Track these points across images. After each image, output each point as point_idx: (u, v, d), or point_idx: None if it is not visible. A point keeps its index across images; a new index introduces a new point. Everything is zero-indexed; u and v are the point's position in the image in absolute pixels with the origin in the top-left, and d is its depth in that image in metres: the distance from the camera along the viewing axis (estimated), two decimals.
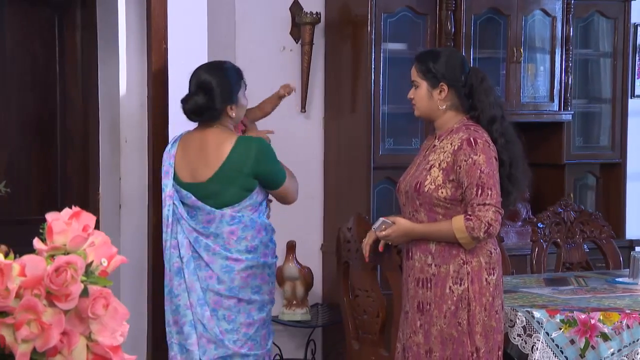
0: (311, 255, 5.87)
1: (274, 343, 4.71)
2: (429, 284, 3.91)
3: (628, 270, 4.87)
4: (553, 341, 4.08)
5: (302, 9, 5.82)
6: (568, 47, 6.00)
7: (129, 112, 5.58)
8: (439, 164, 3.89)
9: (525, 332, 4.11)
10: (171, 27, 4.94)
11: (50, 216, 1.75)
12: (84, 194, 6.00)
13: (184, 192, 4.31)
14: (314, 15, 5.78)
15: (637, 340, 4.08)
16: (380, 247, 4.08)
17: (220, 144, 4.29)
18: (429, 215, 3.91)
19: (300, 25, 5.81)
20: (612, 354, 4.06)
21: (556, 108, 6.02)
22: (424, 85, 3.99)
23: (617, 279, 4.82)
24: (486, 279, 3.88)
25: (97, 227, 1.79)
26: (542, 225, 5.29)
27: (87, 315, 1.70)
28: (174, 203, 4.32)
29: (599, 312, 4.11)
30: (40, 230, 1.76)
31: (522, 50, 5.85)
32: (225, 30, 5.70)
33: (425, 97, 3.99)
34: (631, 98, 6.41)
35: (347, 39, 5.76)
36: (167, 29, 4.93)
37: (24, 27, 6.01)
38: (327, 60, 5.91)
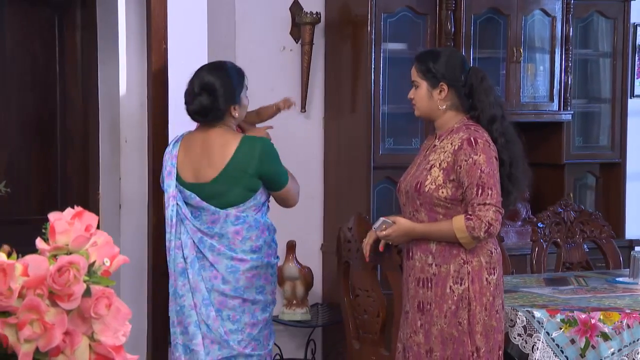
0: (311, 255, 5.87)
1: (274, 343, 4.71)
2: (429, 284, 3.91)
3: (628, 270, 4.87)
4: (553, 341, 4.08)
5: (302, 9, 5.82)
6: (568, 47, 6.00)
7: (129, 112, 5.58)
8: (440, 164, 3.89)
9: (525, 332, 4.11)
10: (171, 27, 4.94)
11: (52, 216, 1.75)
12: (84, 194, 6.00)
13: (188, 192, 4.31)
14: (314, 15, 5.79)
15: (638, 340, 4.08)
16: (381, 247, 4.08)
17: (225, 144, 4.29)
18: (429, 215, 3.91)
19: (300, 25, 5.81)
20: (613, 353, 4.07)
21: (556, 108, 6.02)
22: (424, 85, 3.99)
23: (617, 279, 4.83)
24: (487, 279, 3.88)
25: (97, 227, 1.80)
26: (542, 225, 5.29)
27: (89, 315, 1.70)
28: (177, 203, 4.32)
29: (599, 312, 4.11)
30: (43, 230, 1.76)
31: (521, 50, 5.86)
32: (225, 30, 5.70)
33: (425, 97, 3.99)
34: (631, 98, 6.41)
35: (347, 39, 5.76)
36: (167, 29, 4.93)
37: (24, 27, 6.01)
38: (327, 60, 5.91)
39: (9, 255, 1.71)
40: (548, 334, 4.08)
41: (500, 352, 3.93)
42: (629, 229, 6.35)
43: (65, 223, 1.75)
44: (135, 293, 5.27)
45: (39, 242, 1.75)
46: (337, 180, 5.86)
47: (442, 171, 3.88)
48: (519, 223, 6.06)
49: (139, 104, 5.42)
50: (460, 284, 3.86)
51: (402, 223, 3.95)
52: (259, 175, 4.28)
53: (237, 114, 4.35)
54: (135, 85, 5.48)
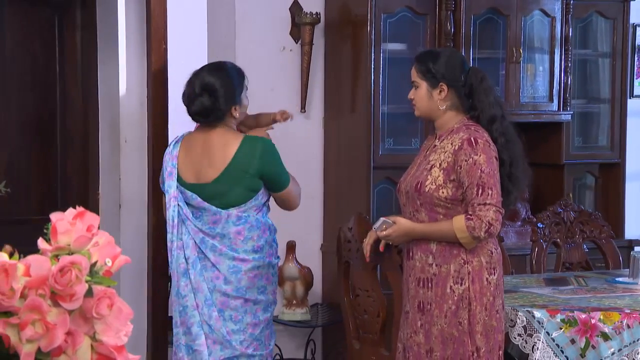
0: (311, 255, 5.87)
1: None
2: (429, 284, 3.92)
3: (628, 270, 4.87)
4: (553, 341, 4.08)
5: (302, 9, 5.82)
6: (567, 47, 6.00)
7: (129, 112, 5.59)
8: (440, 164, 3.89)
9: (525, 332, 4.11)
10: (171, 27, 4.95)
11: (54, 216, 1.76)
12: (84, 194, 6.00)
13: (189, 193, 4.31)
14: (314, 16, 5.78)
15: (638, 340, 4.08)
16: (381, 247, 4.08)
17: (226, 144, 4.30)
18: (429, 215, 3.91)
19: (300, 25, 5.81)
20: (613, 353, 4.07)
21: (555, 108, 6.02)
22: (423, 85, 3.99)
23: (617, 279, 4.83)
24: (487, 279, 3.88)
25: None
26: (541, 225, 5.29)
27: (91, 315, 1.70)
28: (178, 204, 4.32)
29: (599, 312, 4.11)
30: (45, 230, 1.77)
31: (521, 51, 5.85)
32: (225, 30, 5.70)
33: (425, 97, 3.99)
34: (630, 98, 6.41)
35: (347, 39, 5.76)
36: (167, 29, 4.94)
37: (24, 27, 6.01)
38: (327, 60, 5.91)
39: (11, 255, 1.71)
40: (548, 334, 4.08)
41: (501, 352, 3.93)
42: (629, 229, 6.35)
43: (67, 223, 1.75)
44: (135, 293, 5.27)
45: (41, 242, 1.75)
46: (337, 181, 5.86)
47: (442, 171, 3.88)
48: (519, 223, 6.06)
49: (139, 104, 5.42)
50: (461, 284, 3.86)
51: (403, 223, 3.96)
52: (260, 175, 4.28)
53: (238, 114, 4.36)
54: (135, 85, 5.49)
